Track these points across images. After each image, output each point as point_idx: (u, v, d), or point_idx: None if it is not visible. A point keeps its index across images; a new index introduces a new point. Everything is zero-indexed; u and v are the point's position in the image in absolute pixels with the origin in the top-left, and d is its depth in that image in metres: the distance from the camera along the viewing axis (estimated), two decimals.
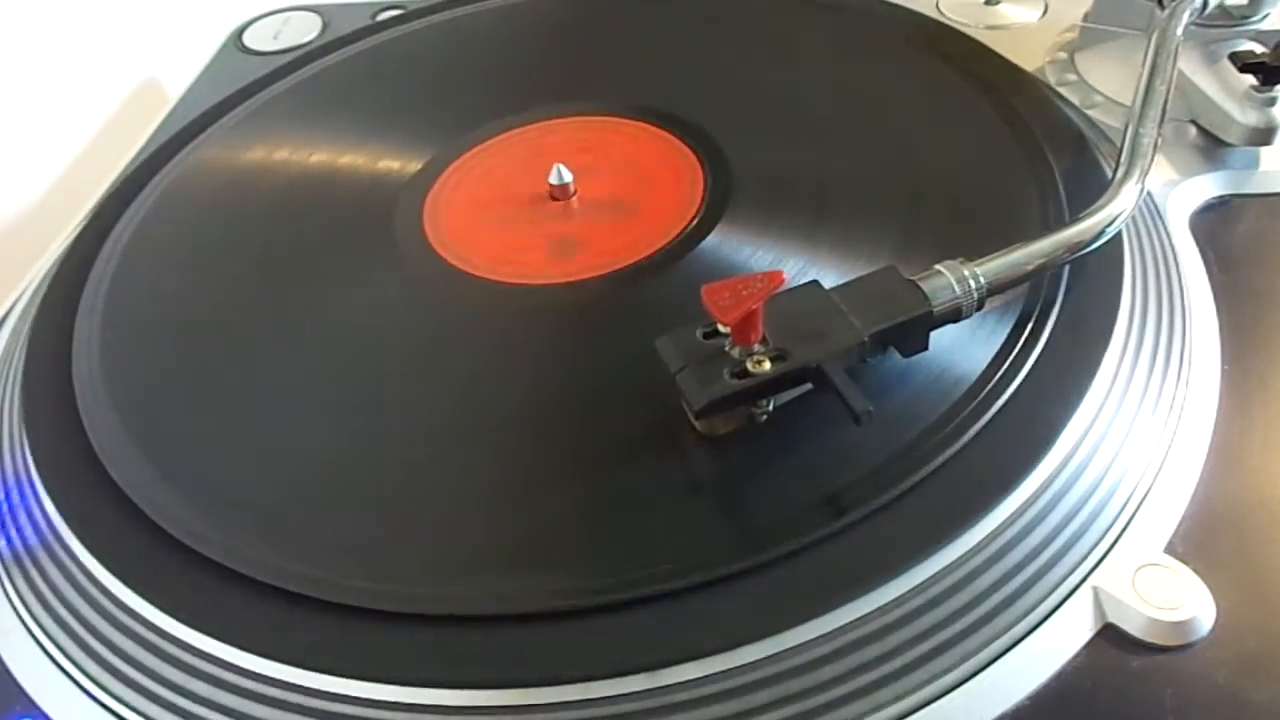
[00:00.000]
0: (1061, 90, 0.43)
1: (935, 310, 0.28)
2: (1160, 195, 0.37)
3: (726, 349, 0.27)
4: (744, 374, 0.26)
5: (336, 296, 0.36)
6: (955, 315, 0.28)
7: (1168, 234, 0.35)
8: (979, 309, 0.29)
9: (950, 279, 0.28)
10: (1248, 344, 0.32)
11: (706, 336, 0.27)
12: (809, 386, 0.28)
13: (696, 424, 0.28)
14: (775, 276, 0.26)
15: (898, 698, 0.24)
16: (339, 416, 0.31)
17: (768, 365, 0.26)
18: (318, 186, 0.41)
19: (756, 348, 0.27)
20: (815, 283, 0.29)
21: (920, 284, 0.28)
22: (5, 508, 0.31)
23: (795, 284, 0.29)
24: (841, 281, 0.29)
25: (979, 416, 0.28)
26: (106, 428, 0.31)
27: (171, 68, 0.60)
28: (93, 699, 0.27)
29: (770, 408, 0.28)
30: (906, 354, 0.29)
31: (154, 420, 0.32)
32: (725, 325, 0.27)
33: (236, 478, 0.30)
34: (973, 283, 0.28)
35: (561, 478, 0.29)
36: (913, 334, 0.28)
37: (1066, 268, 0.31)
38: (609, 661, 0.24)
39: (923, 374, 0.29)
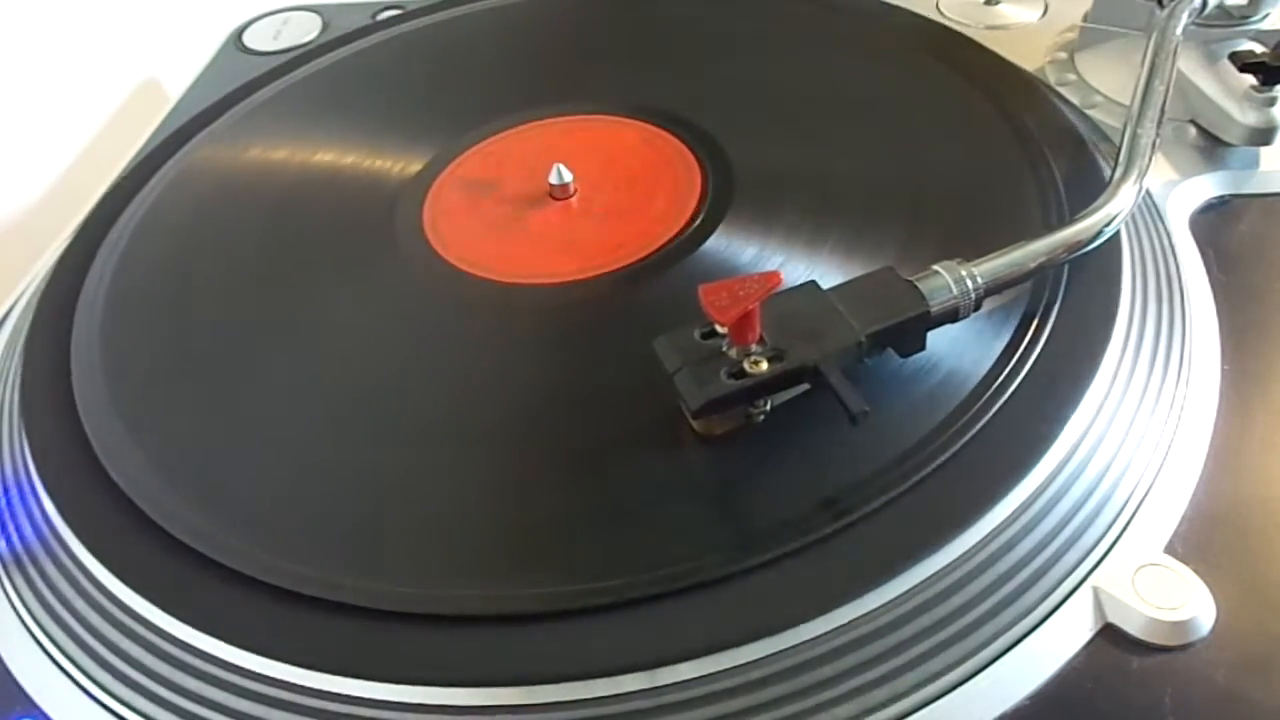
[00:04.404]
0: (1061, 90, 0.43)
1: (933, 311, 0.28)
2: (1160, 195, 0.37)
3: (724, 349, 0.27)
4: (741, 374, 0.26)
5: (336, 296, 0.36)
6: (953, 315, 0.28)
7: (1168, 234, 0.35)
8: (977, 309, 0.29)
9: (948, 279, 0.28)
10: (1248, 344, 0.32)
11: (704, 337, 0.27)
12: (807, 386, 0.28)
13: (694, 424, 0.28)
14: (772, 277, 0.26)
15: (897, 697, 0.24)
16: (339, 416, 0.31)
17: (765, 365, 0.26)
18: (317, 186, 0.41)
19: (754, 348, 0.27)
20: (813, 283, 0.29)
21: (918, 284, 0.28)
22: (5, 508, 0.31)
23: (794, 284, 0.29)
24: (841, 281, 0.29)
25: (979, 416, 0.28)
26: (106, 428, 0.31)
27: (171, 68, 0.60)
28: (93, 699, 0.27)
29: (768, 408, 0.28)
30: (904, 354, 0.29)
31: (154, 420, 0.32)
32: (722, 325, 0.27)
33: (236, 477, 0.30)
34: (970, 283, 0.28)
35: (560, 477, 0.29)
36: (910, 334, 0.28)
37: (1066, 268, 0.31)
38: (607, 660, 0.24)
39: (922, 373, 0.29)
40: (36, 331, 0.36)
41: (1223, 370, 0.32)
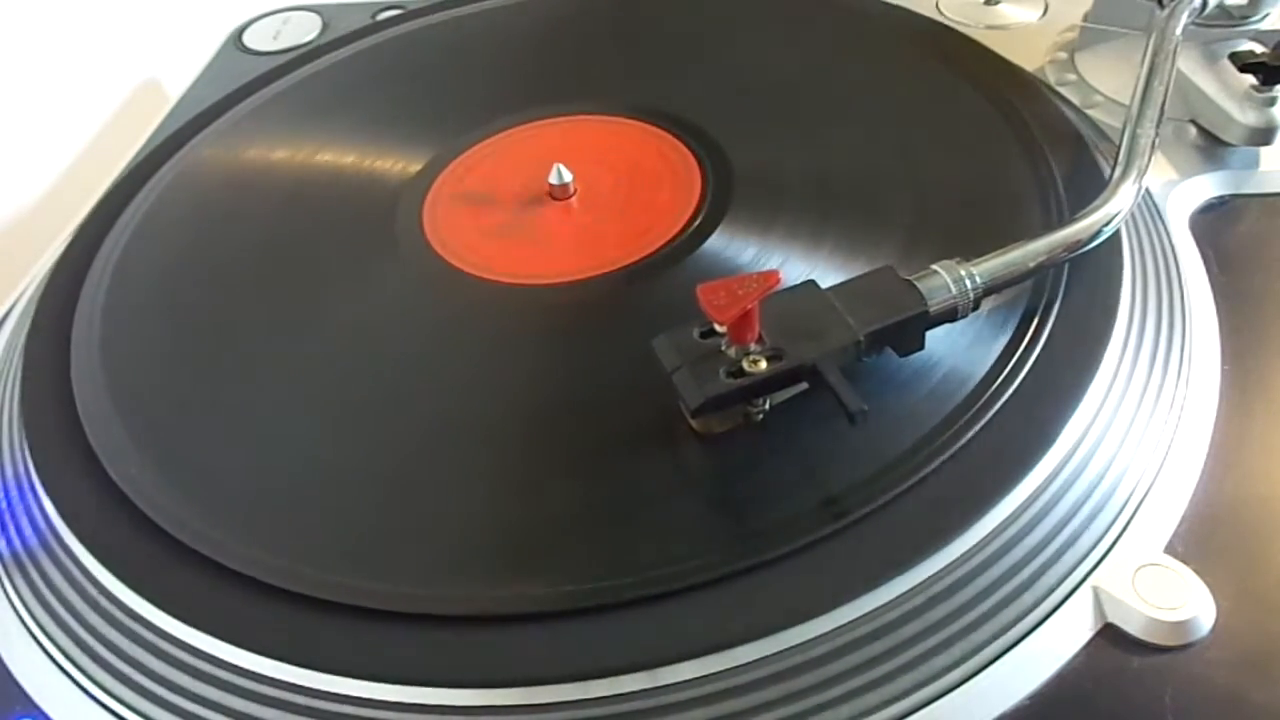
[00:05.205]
0: (1061, 90, 0.43)
1: (931, 310, 0.28)
2: (1160, 195, 0.37)
3: (723, 348, 0.27)
4: (740, 373, 0.26)
5: (336, 296, 0.36)
6: (951, 315, 0.28)
7: (1168, 234, 0.35)
8: (975, 309, 0.29)
9: (946, 279, 0.28)
10: (1248, 344, 0.32)
11: (703, 336, 0.27)
12: (805, 386, 0.28)
13: (693, 423, 0.28)
14: (770, 276, 0.26)
15: (897, 697, 0.24)
16: (339, 416, 0.31)
17: (763, 364, 0.26)
18: (318, 186, 0.41)
19: (753, 347, 0.27)
20: (812, 282, 0.29)
21: (916, 284, 0.28)
22: (5, 508, 0.31)
23: (793, 283, 0.29)
24: (840, 281, 0.29)
25: (979, 416, 0.28)
26: (106, 428, 0.31)
27: (171, 68, 0.60)
28: (93, 699, 0.27)
29: (766, 407, 0.28)
30: (903, 353, 0.29)
31: (154, 420, 0.32)
32: (721, 324, 0.27)
33: (236, 477, 0.30)
34: (969, 282, 0.28)
35: (559, 477, 0.29)
36: (909, 333, 0.28)
37: (1066, 267, 0.31)
38: (608, 661, 0.24)
39: (922, 373, 0.29)
40: (37, 331, 0.36)
41: (1223, 370, 0.32)
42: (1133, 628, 0.26)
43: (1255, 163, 0.39)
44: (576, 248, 0.36)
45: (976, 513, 0.26)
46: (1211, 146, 0.39)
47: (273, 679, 0.25)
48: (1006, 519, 0.26)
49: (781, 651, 0.24)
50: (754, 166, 0.37)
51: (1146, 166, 0.33)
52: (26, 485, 0.31)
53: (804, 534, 0.25)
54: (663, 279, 0.34)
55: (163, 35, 0.61)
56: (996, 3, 0.49)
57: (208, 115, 0.46)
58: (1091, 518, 0.27)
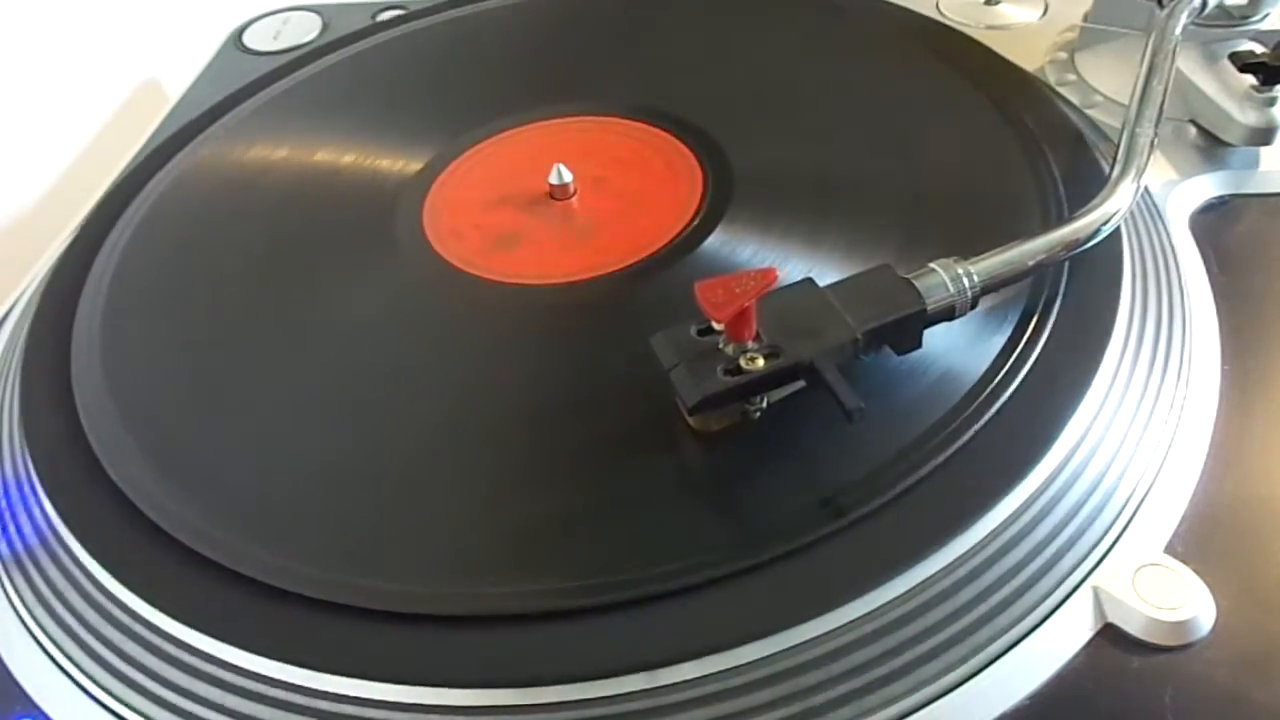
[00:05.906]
0: (1061, 90, 0.43)
1: (929, 308, 0.28)
2: (1160, 195, 0.37)
3: (720, 346, 0.27)
4: (737, 371, 0.26)
5: (336, 296, 0.36)
6: (949, 313, 0.28)
7: (1167, 234, 0.35)
8: (973, 307, 0.29)
9: (944, 277, 0.28)
10: (1248, 344, 0.32)
11: (701, 334, 0.27)
12: (803, 384, 0.28)
13: (691, 421, 0.28)
14: (768, 274, 0.26)
15: (897, 697, 0.24)
16: (339, 416, 0.31)
17: (761, 362, 0.26)
18: (318, 186, 0.41)
19: (750, 345, 0.27)
20: (809, 280, 0.29)
21: (914, 282, 0.28)
22: (5, 508, 0.31)
23: (791, 281, 0.29)
24: (838, 279, 0.29)
25: (979, 416, 0.28)
26: (106, 427, 0.31)
27: (171, 68, 0.60)
28: (93, 699, 0.27)
29: (764, 405, 0.28)
30: (901, 352, 0.29)
31: (154, 420, 0.32)
32: (719, 322, 0.27)
33: (236, 477, 0.30)
34: (966, 281, 0.28)
35: (559, 477, 0.29)
36: (907, 332, 0.28)
37: (1067, 267, 0.31)
38: (608, 661, 0.24)
39: (923, 372, 0.29)
40: (37, 331, 0.36)
41: (1223, 370, 0.32)
42: (1133, 628, 0.26)
43: (1255, 163, 0.39)
44: (577, 248, 0.36)
45: (977, 512, 0.26)
46: (1211, 146, 0.39)
47: (273, 679, 0.25)
48: (1007, 519, 0.26)
49: (781, 651, 0.24)
50: (754, 166, 0.37)
51: (1145, 166, 0.33)
52: (26, 485, 0.31)
53: (803, 534, 0.25)
54: (663, 279, 0.34)
55: (163, 35, 0.61)
56: (996, 3, 0.49)
57: (208, 116, 0.46)
58: (1092, 518, 0.27)
